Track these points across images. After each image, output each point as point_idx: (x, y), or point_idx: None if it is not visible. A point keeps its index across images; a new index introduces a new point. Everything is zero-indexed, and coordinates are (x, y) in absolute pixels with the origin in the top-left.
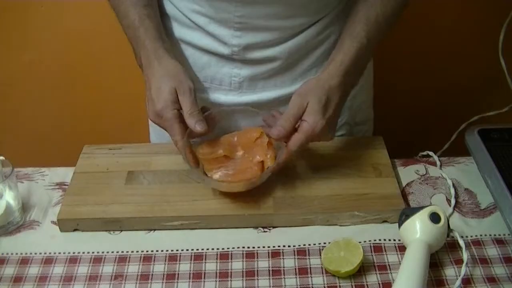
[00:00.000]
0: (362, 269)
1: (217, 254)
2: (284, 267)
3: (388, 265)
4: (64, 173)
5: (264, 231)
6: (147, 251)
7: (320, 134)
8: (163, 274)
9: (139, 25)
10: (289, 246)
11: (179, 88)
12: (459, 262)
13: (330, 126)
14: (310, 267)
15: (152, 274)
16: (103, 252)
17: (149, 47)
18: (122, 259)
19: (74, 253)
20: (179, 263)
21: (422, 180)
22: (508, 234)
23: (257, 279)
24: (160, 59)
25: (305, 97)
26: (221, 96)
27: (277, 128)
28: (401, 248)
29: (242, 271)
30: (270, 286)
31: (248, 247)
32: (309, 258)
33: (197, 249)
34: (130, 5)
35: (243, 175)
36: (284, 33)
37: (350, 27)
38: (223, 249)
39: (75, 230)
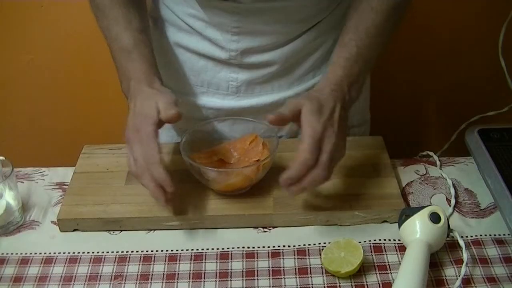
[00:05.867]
0: (362, 269)
1: (217, 254)
2: (284, 267)
3: (388, 265)
4: (64, 173)
5: (264, 231)
6: (147, 251)
7: (324, 136)
8: (163, 274)
9: (133, 49)
10: (289, 246)
11: (160, 99)
12: (459, 262)
13: (332, 130)
14: (310, 267)
15: (152, 274)
16: (103, 252)
17: (142, 71)
18: (122, 259)
19: (74, 253)
20: (179, 263)
21: (422, 180)
22: (508, 234)
23: (257, 279)
24: (151, 83)
25: (299, 99)
26: (218, 101)
27: (274, 114)
28: (401, 248)
29: (242, 271)
30: (270, 286)
31: (248, 247)
32: (309, 258)
33: (197, 249)
34: (124, 29)
35: (239, 170)
36: (281, 38)
37: (340, 38)
38: (223, 249)
39: (75, 230)
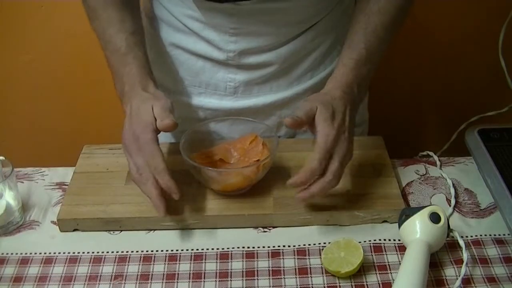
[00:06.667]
0: (362, 269)
1: (217, 254)
2: (284, 267)
3: (388, 265)
4: (64, 173)
5: (264, 231)
6: (147, 251)
7: (336, 143)
8: (163, 274)
9: (127, 51)
10: (289, 246)
11: (155, 105)
12: (459, 262)
13: (344, 137)
14: (310, 267)
15: (152, 274)
16: (103, 252)
17: (136, 74)
18: (122, 259)
19: (74, 253)
20: (179, 263)
21: (422, 180)
22: (508, 234)
23: (257, 279)
24: (145, 86)
25: (313, 102)
26: (216, 102)
27: (291, 117)
28: (401, 248)
29: (242, 271)
30: (270, 286)
31: (248, 247)
32: (309, 258)
33: (197, 249)
34: (118, 31)
35: (239, 170)
36: (279, 39)
37: (348, 39)
38: (223, 249)
39: (75, 230)
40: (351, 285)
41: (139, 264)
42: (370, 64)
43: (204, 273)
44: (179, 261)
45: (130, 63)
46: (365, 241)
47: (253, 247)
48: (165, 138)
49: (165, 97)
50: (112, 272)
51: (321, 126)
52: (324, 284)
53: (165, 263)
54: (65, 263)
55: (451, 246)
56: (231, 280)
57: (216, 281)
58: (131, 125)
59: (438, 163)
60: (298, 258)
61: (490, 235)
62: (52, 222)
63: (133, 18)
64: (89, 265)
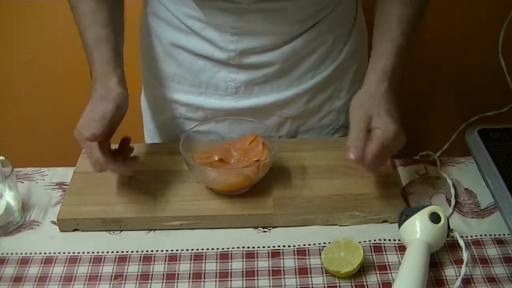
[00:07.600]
0: (362, 269)
1: (217, 254)
2: (284, 267)
3: (388, 265)
4: (64, 173)
5: (264, 231)
6: (147, 251)
7: (394, 138)
8: (163, 274)
9: (94, 46)
10: (289, 246)
11: (97, 110)
12: (459, 262)
13: (401, 129)
14: (310, 267)
15: (152, 274)
16: (103, 252)
17: (99, 70)
18: (122, 259)
19: (74, 253)
20: (179, 263)
21: (422, 180)
22: (508, 234)
23: (257, 279)
24: (105, 84)
25: (367, 108)
26: (217, 101)
27: (351, 150)
28: (401, 248)
29: (242, 271)
30: (270, 286)
31: (248, 247)
32: (309, 258)
33: (197, 249)
34: (89, 24)
35: (239, 170)
36: (280, 38)
37: (385, 32)
38: (223, 249)
39: (75, 230)
40: (351, 285)
41: (139, 264)
42: (405, 56)
43: (204, 273)
44: (179, 261)
45: (95, 57)
46: (365, 241)
47: (253, 247)
48: (166, 137)
49: (117, 98)
50: (112, 272)
51: (382, 123)
52: (324, 284)
53: (165, 263)
54: (65, 263)
55: (451, 246)
56: (231, 280)
57: (216, 281)
58: (79, 122)
59: (438, 163)
60: (298, 258)
61: (490, 235)
62: (52, 222)
63: (107, 10)
64: (89, 265)
